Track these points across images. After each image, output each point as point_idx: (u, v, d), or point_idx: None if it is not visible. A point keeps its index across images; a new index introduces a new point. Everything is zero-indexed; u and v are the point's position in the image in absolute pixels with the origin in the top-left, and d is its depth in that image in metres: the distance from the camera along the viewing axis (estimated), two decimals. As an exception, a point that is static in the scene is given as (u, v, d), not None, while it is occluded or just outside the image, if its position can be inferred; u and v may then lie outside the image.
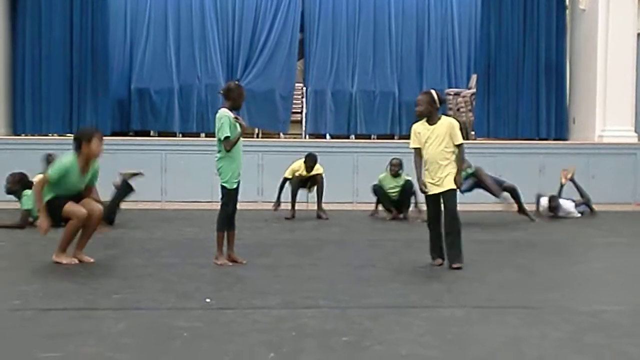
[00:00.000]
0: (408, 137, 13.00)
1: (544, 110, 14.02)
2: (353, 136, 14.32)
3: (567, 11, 14.28)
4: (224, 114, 6.85)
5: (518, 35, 13.97)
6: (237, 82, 7.41)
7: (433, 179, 6.88)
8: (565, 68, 14.22)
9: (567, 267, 7.31)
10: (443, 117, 7.02)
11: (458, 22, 15.01)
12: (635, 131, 13.30)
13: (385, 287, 6.05)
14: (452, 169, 6.87)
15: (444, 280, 6.37)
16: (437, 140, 6.86)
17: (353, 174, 12.19)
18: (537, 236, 9.14)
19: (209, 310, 5.25)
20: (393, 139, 14.29)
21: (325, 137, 14.29)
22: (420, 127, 6.97)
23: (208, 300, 5.49)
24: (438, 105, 6.95)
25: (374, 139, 14.33)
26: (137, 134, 13.97)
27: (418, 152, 7.01)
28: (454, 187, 6.89)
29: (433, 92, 7.01)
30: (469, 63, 15.06)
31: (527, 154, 12.57)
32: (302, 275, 6.48)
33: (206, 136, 13.83)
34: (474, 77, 14.39)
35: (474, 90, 14.06)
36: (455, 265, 6.81)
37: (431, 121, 6.92)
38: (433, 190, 6.90)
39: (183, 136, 13.92)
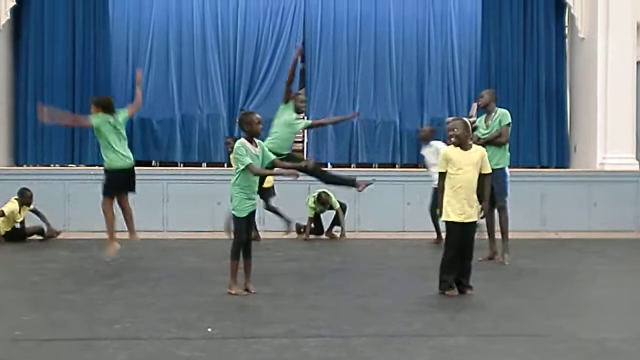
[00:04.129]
0: (409, 165, 13.08)
1: (544, 138, 14.05)
2: (354, 165, 14.32)
3: (567, 39, 14.37)
4: (238, 145, 6.86)
5: (518, 63, 14.04)
6: (242, 110, 7.47)
7: (462, 208, 6.86)
8: (566, 96, 14.27)
9: (570, 295, 7.28)
10: (474, 145, 7.11)
11: (458, 51, 15.07)
12: (637, 158, 13.30)
13: (388, 315, 6.02)
14: (476, 199, 6.94)
15: (447, 308, 6.33)
16: (472, 167, 6.90)
17: (355, 202, 12.15)
18: (539, 263, 9.09)
19: (211, 340, 5.22)
20: (394, 167, 14.30)
21: (326, 166, 14.29)
22: (452, 153, 6.97)
23: (210, 329, 5.46)
24: (471, 133, 7.03)
25: (375, 167, 14.33)
26: (139, 163, 13.90)
27: (443, 176, 7.01)
28: (476, 220, 6.96)
29: (465, 119, 7.13)
30: (470, 91, 15.09)
31: (528, 182, 12.57)
32: (305, 304, 6.44)
33: (207, 166, 13.85)
34: (474, 106, 14.39)
35: (474, 118, 14.07)
36: (470, 292, 6.91)
37: (464, 147, 6.96)
38: (459, 218, 6.88)
39: (185, 166, 13.92)
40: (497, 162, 8.97)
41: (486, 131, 9.09)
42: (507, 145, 9.17)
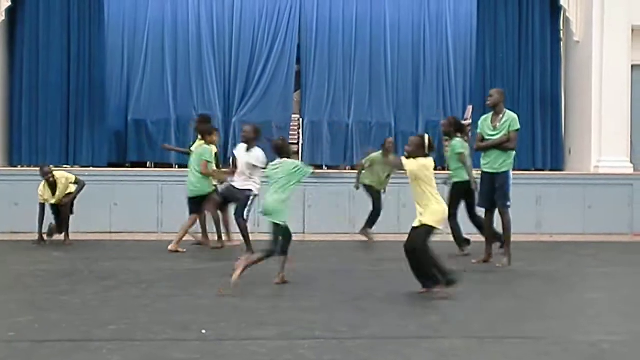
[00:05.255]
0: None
1: (539, 141, 14.06)
2: (349, 167, 14.33)
3: (562, 43, 14.39)
4: (299, 164, 7.79)
5: (513, 66, 14.05)
6: (282, 138, 8.23)
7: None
8: (561, 99, 14.29)
9: (564, 297, 7.29)
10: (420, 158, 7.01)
11: (453, 53, 15.10)
12: (631, 162, 13.32)
13: (383, 317, 6.02)
14: (429, 207, 6.91)
15: (442, 310, 6.34)
16: (410, 179, 7.00)
17: (349, 204, 12.16)
18: (534, 266, 9.11)
19: (206, 341, 5.21)
20: (389, 169, 14.29)
21: (322, 168, 14.29)
22: (407, 163, 7.04)
23: (204, 331, 5.45)
24: (426, 151, 7.01)
25: (370, 169, 14.32)
26: (134, 165, 13.96)
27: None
28: (427, 224, 6.90)
29: (426, 137, 7.11)
30: (465, 94, 15.12)
31: (523, 185, 12.54)
32: (300, 306, 6.44)
33: (203, 167, 13.82)
34: (469, 108, 14.45)
35: (470, 121, 14.10)
36: (434, 290, 6.92)
37: None
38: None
39: (179, 167, 13.89)
40: (501, 166, 8.88)
41: (493, 133, 8.94)
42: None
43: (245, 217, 9.52)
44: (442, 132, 9.68)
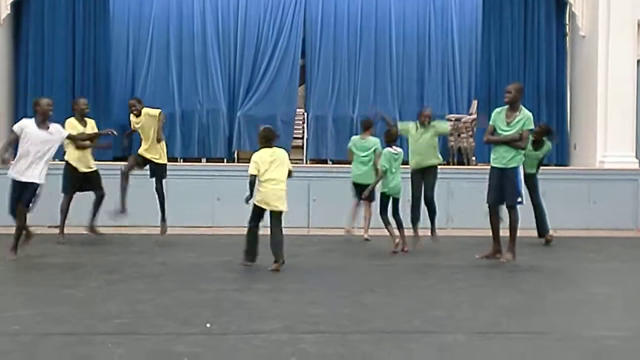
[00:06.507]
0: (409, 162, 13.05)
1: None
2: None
3: (567, 38, 14.35)
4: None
5: (519, 61, 14.01)
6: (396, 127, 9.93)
7: None
8: (566, 94, 14.25)
9: (569, 292, 7.27)
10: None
11: (459, 48, 15.08)
12: (636, 157, 13.28)
13: (386, 312, 6.02)
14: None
15: (445, 305, 6.33)
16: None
17: (353, 199, 12.14)
18: (537, 261, 9.10)
19: (209, 335, 5.22)
20: (394, 164, 14.27)
21: (326, 162, 14.29)
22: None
23: (208, 325, 5.46)
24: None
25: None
26: (138, 158, 13.96)
27: None
28: None
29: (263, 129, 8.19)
30: (470, 89, 15.10)
31: (528, 180, 12.55)
32: (303, 300, 6.45)
33: (207, 161, 13.83)
34: (474, 103, 14.43)
35: (474, 116, 14.09)
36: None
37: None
38: None
39: (184, 161, 13.92)
40: (509, 161, 8.73)
41: (506, 129, 8.81)
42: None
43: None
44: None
